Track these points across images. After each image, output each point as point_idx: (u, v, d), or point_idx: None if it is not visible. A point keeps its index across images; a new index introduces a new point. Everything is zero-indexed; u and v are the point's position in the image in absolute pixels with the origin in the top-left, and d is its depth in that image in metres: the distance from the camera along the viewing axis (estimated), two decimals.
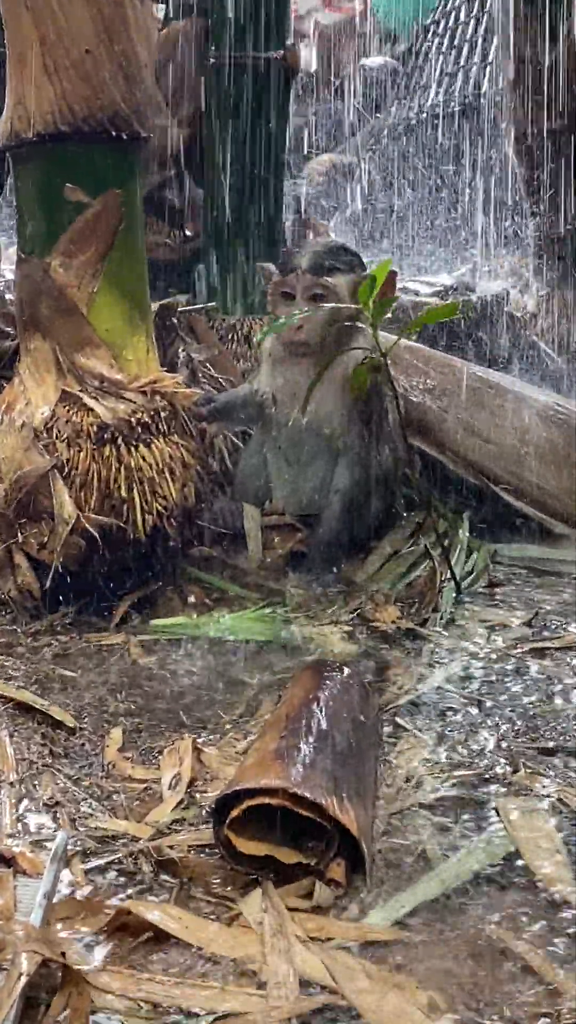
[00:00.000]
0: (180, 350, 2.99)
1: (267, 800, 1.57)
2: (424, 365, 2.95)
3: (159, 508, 2.40)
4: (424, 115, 6.76)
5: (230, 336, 3.33)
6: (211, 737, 1.99)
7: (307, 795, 1.57)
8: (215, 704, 2.12)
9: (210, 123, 3.52)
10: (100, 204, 2.41)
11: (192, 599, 2.52)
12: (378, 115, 7.31)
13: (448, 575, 2.55)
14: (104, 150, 2.40)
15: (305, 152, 6.92)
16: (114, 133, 2.38)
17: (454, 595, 2.52)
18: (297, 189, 6.06)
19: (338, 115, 7.54)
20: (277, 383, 2.72)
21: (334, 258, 2.65)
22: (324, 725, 1.76)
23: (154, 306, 2.76)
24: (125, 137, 2.40)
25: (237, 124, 3.39)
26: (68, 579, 2.39)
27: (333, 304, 2.59)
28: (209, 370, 3.08)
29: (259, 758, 1.67)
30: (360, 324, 2.58)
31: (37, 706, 2.03)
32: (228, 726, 2.03)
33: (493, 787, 1.81)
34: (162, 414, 2.45)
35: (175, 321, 3.03)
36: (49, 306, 2.42)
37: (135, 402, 2.43)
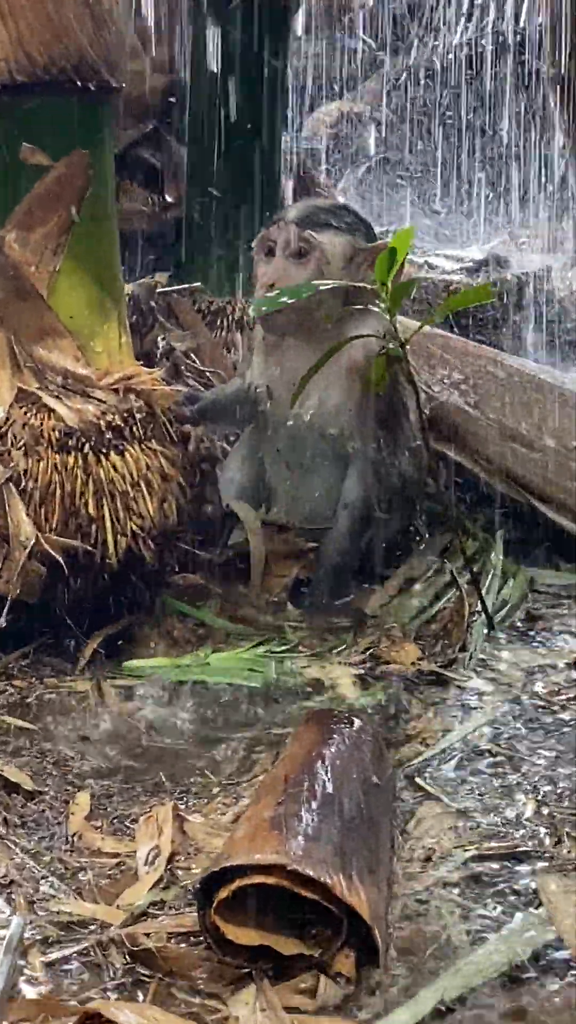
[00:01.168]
0: (159, 339, 3.01)
1: (262, 879, 1.58)
2: (451, 355, 2.96)
3: (134, 528, 2.41)
4: (451, 55, 6.78)
5: (219, 321, 3.34)
6: (196, 802, 2.00)
7: (309, 873, 1.57)
8: (201, 763, 2.12)
9: (194, 68, 3.53)
10: (63, 167, 2.42)
11: (174, 636, 2.52)
12: (396, 55, 7.31)
13: (478, 607, 2.55)
14: (68, 103, 2.42)
15: (308, 100, 6.92)
16: (80, 83, 2.40)
17: (485, 631, 2.53)
18: (299, 144, 6.07)
19: (348, 56, 7.54)
20: (272, 373, 2.72)
21: (330, 214, 2.64)
22: (330, 788, 1.77)
23: (128, 287, 2.78)
24: (93, 88, 2.42)
25: (226, 69, 3.40)
26: (26, 613, 2.39)
27: (319, 264, 2.58)
28: (194, 362, 3.09)
29: (252, 828, 1.67)
30: (372, 307, 2.58)
31: None
32: (216, 789, 2.03)
33: (532, 862, 1.82)
34: (137, 416, 2.46)
35: (153, 304, 3.04)
36: (3, 288, 2.43)
37: (105, 402, 2.44)
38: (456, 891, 1.76)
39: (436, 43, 6.97)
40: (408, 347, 2.51)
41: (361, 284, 2.55)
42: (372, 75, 7.27)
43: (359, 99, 7.12)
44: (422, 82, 6.80)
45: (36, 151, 2.42)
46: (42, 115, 2.42)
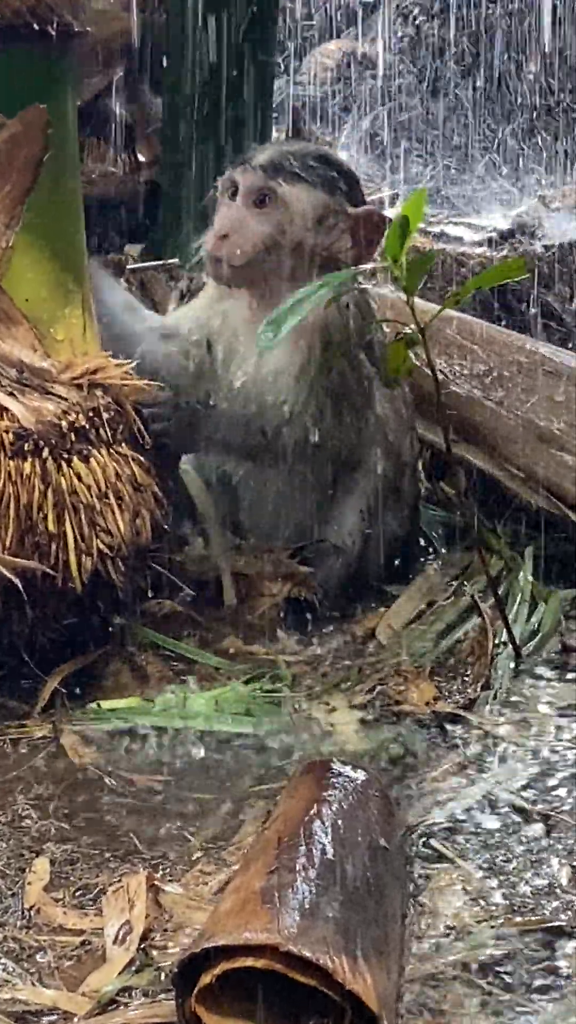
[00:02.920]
0: None
1: (251, 961, 1.58)
2: (471, 342, 2.96)
3: (101, 546, 2.41)
4: None
5: None
6: (173, 870, 2.00)
7: (306, 954, 1.57)
8: (180, 822, 2.12)
9: (168, 3, 3.55)
10: (18, 125, 2.43)
11: (148, 672, 2.52)
12: None
13: (504, 636, 2.56)
14: (23, 52, 2.42)
15: (304, 38, 6.92)
16: (37, 27, 2.40)
17: (512, 665, 2.53)
18: (294, 89, 6.07)
19: None
20: (213, 325, 2.72)
21: (305, 164, 2.65)
22: (330, 853, 1.77)
23: (93, 263, 2.78)
24: (52, 32, 2.42)
25: (208, 4, 3.41)
26: None
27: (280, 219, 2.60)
28: None
29: (240, 901, 1.68)
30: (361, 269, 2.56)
31: None
32: (197, 854, 2.04)
33: (568, 940, 1.82)
34: (105, 415, 2.47)
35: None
36: None
37: (67, 399, 2.44)
38: (478, 975, 1.76)
39: None
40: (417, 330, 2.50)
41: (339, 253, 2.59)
42: (379, 8, 7.26)
43: (364, 37, 7.11)
44: (437, 16, 6.78)
45: None
46: None
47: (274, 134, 3.91)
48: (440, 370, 2.86)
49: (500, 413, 2.90)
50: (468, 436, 2.88)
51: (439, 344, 2.90)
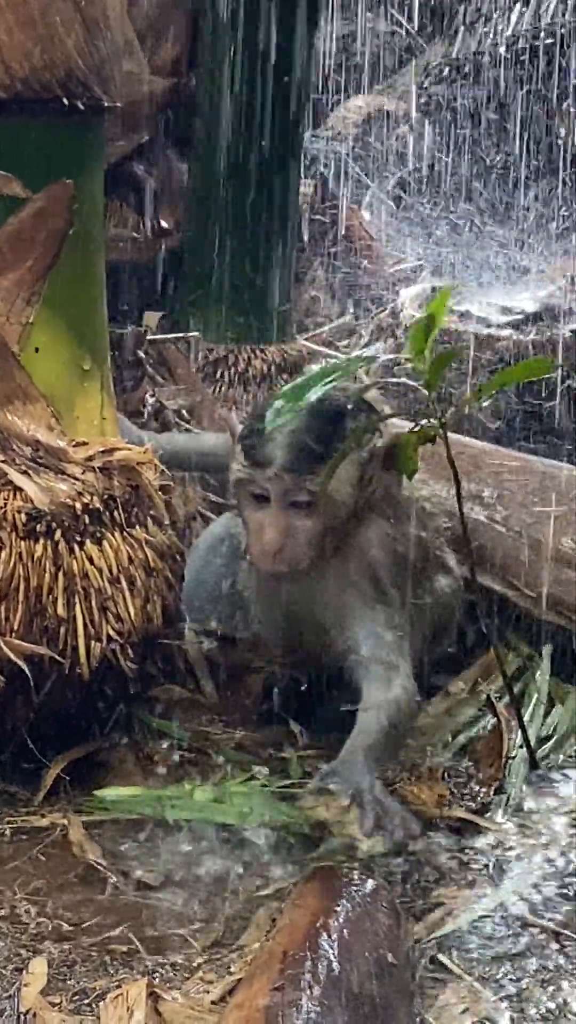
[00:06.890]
0: (147, 395, 3.02)
1: None
2: (468, 462, 2.90)
3: (111, 632, 2.42)
4: (504, 47, 6.81)
5: (218, 374, 3.36)
6: (174, 975, 1.99)
7: None
8: (182, 923, 2.12)
9: (200, 68, 3.58)
10: (43, 200, 2.45)
11: (155, 761, 2.53)
12: (434, 42, 7.35)
13: (519, 739, 2.56)
14: (52, 124, 2.45)
15: (328, 93, 6.94)
16: (67, 101, 2.42)
17: (526, 768, 2.52)
18: (318, 146, 6.09)
19: (381, 41, 7.57)
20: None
21: (321, 436, 2.45)
22: (336, 969, 1.77)
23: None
24: (82, 106, 2.45)
25: (239, 70, 3.44)
26: None
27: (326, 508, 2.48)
28: (188, 422, 3.11)
29: (243, 1018, 1.68)
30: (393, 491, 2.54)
31: None
32: (199, 960, 2.03)
33: None
34: (120, 498, 2.48)
35: (141, 354, 3.06)
36: None
37: (82, 480, 2.45)
38: None
39: (485, 30, 6.99)
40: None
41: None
42: (407, 66, 7.28)
43: (392, 93, 7.13)
44: (468, 77, 6.81)
45: (11, 180, 2.44)
46: (19, 137, 2.44)
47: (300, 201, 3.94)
48: (438, 493, 2.80)
49: (504, 532, 2.87)
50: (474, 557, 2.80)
51: (434, 463, 2.71)
